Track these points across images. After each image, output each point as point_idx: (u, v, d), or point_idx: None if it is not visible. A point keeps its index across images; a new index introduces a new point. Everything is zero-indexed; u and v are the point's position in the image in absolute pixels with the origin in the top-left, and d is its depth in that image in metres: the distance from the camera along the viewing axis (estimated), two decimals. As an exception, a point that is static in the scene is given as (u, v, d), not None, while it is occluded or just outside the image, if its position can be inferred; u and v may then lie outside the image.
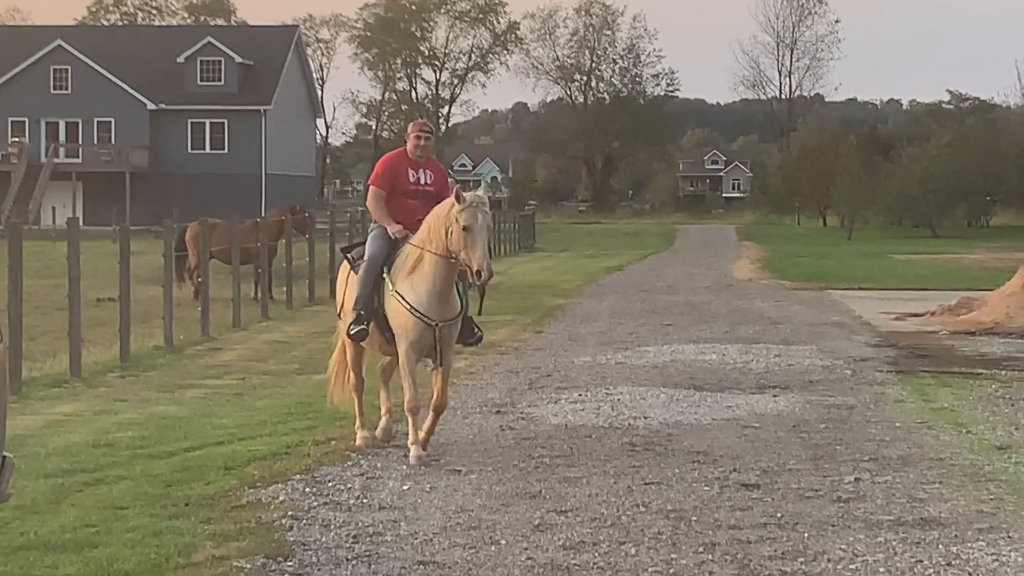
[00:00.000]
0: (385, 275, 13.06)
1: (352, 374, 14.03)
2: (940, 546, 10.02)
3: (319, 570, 9.42)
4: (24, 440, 13.84)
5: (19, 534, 10.20)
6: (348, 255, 13.89)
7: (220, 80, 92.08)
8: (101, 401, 17.55)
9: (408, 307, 12.81)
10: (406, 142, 13.84)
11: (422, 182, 13.49)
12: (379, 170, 13.66)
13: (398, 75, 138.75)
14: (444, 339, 12.95)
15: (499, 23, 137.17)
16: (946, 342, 24.39)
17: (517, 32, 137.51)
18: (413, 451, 12.91)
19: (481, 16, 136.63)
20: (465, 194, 12.61)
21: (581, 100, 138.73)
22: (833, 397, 17.42)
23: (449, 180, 13.78)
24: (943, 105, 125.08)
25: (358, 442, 13.66)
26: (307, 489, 11.84)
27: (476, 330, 13.64)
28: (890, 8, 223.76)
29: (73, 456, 13.36)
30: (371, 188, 13.66)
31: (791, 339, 24.56)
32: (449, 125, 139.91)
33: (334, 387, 14.63)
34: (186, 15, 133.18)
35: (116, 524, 10.56)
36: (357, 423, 13.89)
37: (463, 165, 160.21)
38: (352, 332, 13.22)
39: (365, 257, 13.35)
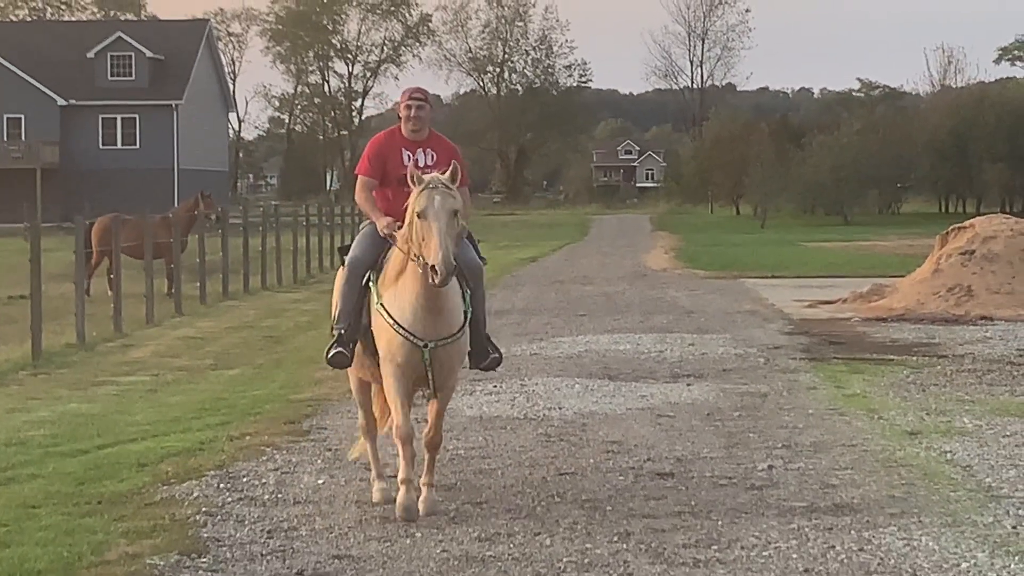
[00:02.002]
0: (371, 284, 10.75)
1: (360, 411, 11.56)
2: (852, 532, 10.10)
3: (234, 566, 9.39)
4: (-66, 440, 13.72)
5: (-70, 535, 10.12)
6: (344, 256, 11.22)
7: (131, 75, 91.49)
8: (12, 399, 17.42)
9: (391, 323, 10.40)
10: (399, 118, 11.22)
11: (421, 164, 10.81)
12: (367, 154, 11.11)
13: (310, 68, 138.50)
14: (437, 362, 10.44)
15: (411, 15, 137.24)
16: (858, 329, 24.57)
17: (429, 24, 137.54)
18: (400, 493, 10.48)
19: (393, 8, 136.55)
20: (424, 175, 10.28)
21: (494, 92, 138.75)
22: (746, 385, 17.51)
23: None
24: (853, 93, 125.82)
25: (375, 497, 11.07)
26: (221, 485, 11.78)
27: (491, 351, 11.12)
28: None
29: (-16, 455, 13.27)
30: (358, 177, 11.13)
31: (705, 328, 24.67)
32: (362, 118, 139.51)
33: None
34: (95, 10, 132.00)
35: (28, 523, 10.47)
36: (373, 473, 11.39)
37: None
38: (330, 356, 10.89)
39: (347, 260, 11.00)
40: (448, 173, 10.28)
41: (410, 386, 10.59)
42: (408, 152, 10.95)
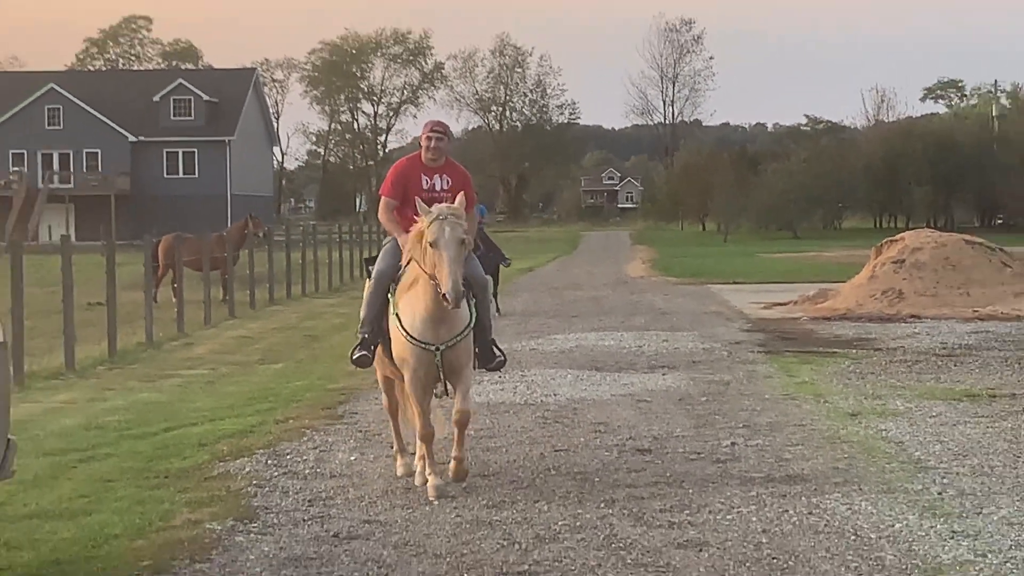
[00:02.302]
0: (390, 294, 10.45)
1: (384, 395, 11.31)
2: (803, 498, 10.09)
3: (280, 530, 9.38)
4: (26, 424, 13.72)
5: (23, 505, 10.12)
6: (369, 267, 11.00)
7: (190, 115, 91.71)
8: (92, 390, 17.43)
9: (404, 333, 10.12)
10: (420, 146, 10.86)
11: (437, 188, 10.58)
12: (390, 178, 10.79)
13: (342, 109, 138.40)
14: (447, 362, 10.16)
15: (427, 63, 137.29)
16: (807, 326, 24.56)
17: (442, 71, 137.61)
18: (430, 482, 10.24)
19: (411, 58, 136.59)
20: (431, 207, 9.97)
21: (497, 127, 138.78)
22: (712, 375, 17.51)
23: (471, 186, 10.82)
24: (801, 127, 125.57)
25: (398, 471, 10.98)
26: (269, 461, 11.78)
27: (497, 352, 10.80)
28: (756, 46, 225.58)
29: (68, 437, 13.27)
30: (382, 198, 10.75)
31: (676, 326, 24.66)
32: (386, 151, 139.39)
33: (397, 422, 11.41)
34: (160, 61, 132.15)
35: (105, 495, 10.48)
36: (395, 448, 11.28)
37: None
38: (354, 357, 10.68)
39: (372, 274, 10.76)
40: (456, 202, 10.05)
41: (427, 387, 10.29)
42: (427, 177, 10.66)
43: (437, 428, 10.76)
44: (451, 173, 10.71)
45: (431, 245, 9.76)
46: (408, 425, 11.13)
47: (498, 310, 27.72)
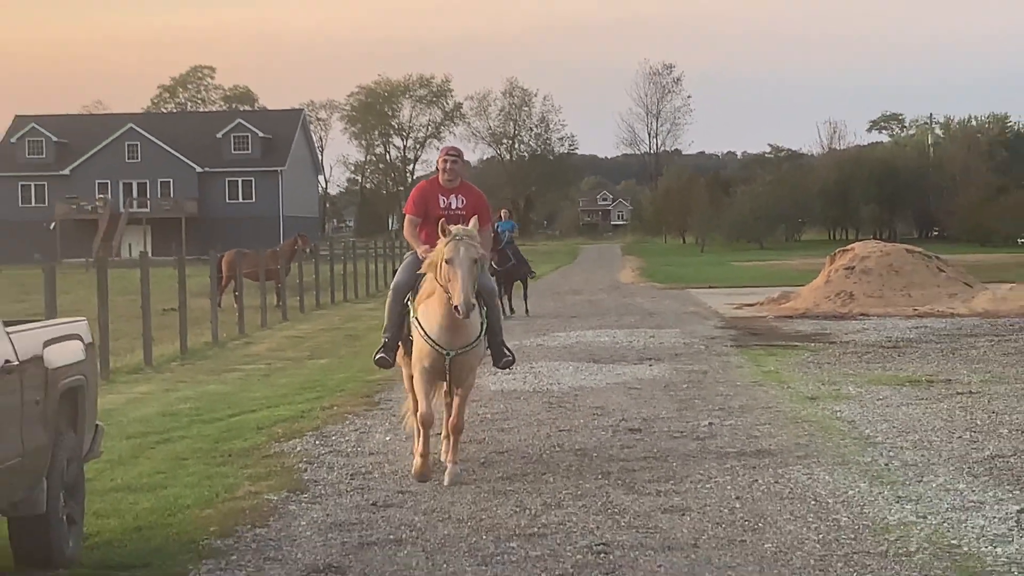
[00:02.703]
0: (409, 301, 10.09)
1: (409, 396, 10.73)
2: (770, 469, 10.08)
3: (326, 499, 9.38)
4: (111, 412, 13.74)
5: (109, 480, 10.13)
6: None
7: (248, 149, 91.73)
8: (167, 383, 17.46)
9: (423, 334, 9.78)
10: (437, 170, 10.54)
11: (453, 207, 10.24)
12: (412, 198, 10.42)
13: (376, 143, 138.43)
14: (456, 366, 9.81)
15: (447, 104, 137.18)
16: (772, 324, 24.55)
17: (460, 110, 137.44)
18: (416, 462, 9.85)
19: (434, 99, 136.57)
20: (451, 227, 9.65)
21: (508, 157, 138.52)
22: (692, 365, 17.49)
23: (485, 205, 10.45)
24: (766, 155, 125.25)
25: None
26: (317, 441, 11.79)
27: (507, 353, 10.38)
28: (727, 85, 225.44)
29: (147, 423, 13.28)
30: (406, 216, 10.40)
31: (661, 324, 24.65)
32: (414, 178, 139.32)
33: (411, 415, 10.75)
34: (222, 103, 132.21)
35: (179, 471, 10.50)
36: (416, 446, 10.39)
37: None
38: (376, 358, 10.38)
39: (392, 285, 10.44)
40: (471, 224, 9.78)
41: (433, 383, 9.99)
42: (444, 197, 10.31)
43: (407, 425, 10.53)
44: (466, 193, 10.40)
45: (447, 262, 9.45)
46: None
47: (527, 312, 27.74)
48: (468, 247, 9.44)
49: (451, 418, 10.01)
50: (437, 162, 10.46)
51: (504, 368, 10.63)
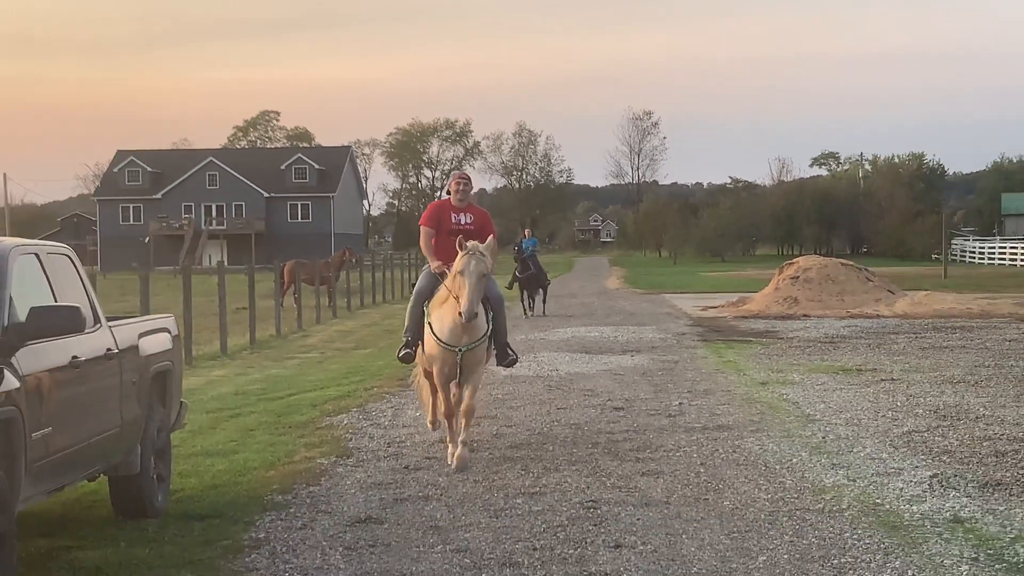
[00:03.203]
0: (424, 306, 9.70)
1: (420, 389, 10.54)
2: (728, 441, 10.06)
3: (367, 463, 9.38)
4: (193, 391, 13.77)
5: (191, 447, 10.15)
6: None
7: (306, 179, 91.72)
8: (239, 367, 17.48)
9: (434, 336, 9.38)
10: (449, 192, 10.18)
11: (463, 223, 9.85)
12: (428, 212, 10.07)
13: (410, 174, 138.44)
14: (467, 362, 9.34)
15: (468, 142, 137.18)
16: (731, 323, 24.50)
17: (479, 147, 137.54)
18: (457, 454, 9.11)
19: (457, 138, 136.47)
20: (467, 243, 9.24)
21: (517, 186, 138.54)
22: (666, 356, 17.47)
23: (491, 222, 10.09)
24: (727, 185, 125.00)
25: (431, 428, 10.43)
26: (360, 416, 11.80)
27: (510, 353, 9.90)
28: (696, 127, 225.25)
29: (222, 400, 13.31)
30: (422, 228, 10.00)
31: (641, 323, 24.61)
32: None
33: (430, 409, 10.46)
34: (285, 140, 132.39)
35: (248, 440, 10.51)
36: (428, 416, 10.54)
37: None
38: (400, 355, 9.91)
39: (414, 291, 9.99)
40: (487, 243, 9.34)
41: (448, 379, 9.47)
42: (454, 214, 9.92)
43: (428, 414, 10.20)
44: (473, 211, 10.07)
45: (458, 273, 9.07)
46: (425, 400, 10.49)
47: (544, 312, 27.66)
48: (479, 262, 9.07)
49: (463, 403, 9.45)
50: (449, 184, 10.22)
51: (509, 366, 10.11)
